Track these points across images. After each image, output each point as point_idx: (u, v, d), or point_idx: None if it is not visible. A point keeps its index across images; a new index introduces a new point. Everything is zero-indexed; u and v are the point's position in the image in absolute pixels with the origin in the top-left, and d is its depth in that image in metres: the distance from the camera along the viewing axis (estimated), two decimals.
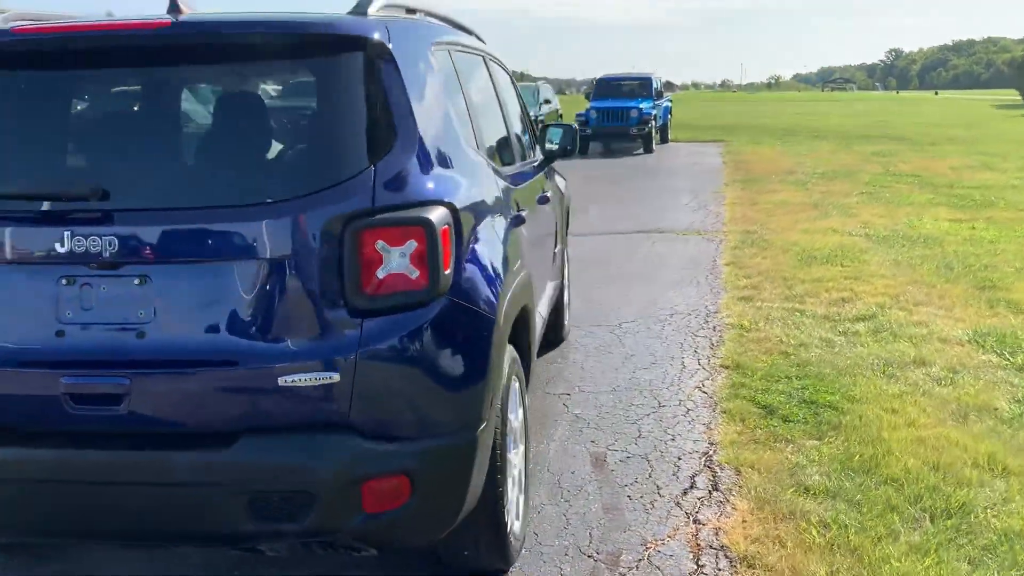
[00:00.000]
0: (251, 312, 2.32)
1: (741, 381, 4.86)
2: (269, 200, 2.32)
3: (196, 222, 2.32)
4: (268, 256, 2.31)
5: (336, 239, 2.32)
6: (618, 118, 20.67)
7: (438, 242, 2.39)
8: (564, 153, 4.72)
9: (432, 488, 2.43)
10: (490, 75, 3.81)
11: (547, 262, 4.48)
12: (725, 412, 4.46)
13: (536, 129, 4.75)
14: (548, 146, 4.69)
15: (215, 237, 2.32)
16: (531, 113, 20.71)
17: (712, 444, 4.11)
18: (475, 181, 2.84)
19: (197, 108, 2.66)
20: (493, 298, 2.62)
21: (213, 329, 2.33)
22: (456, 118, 2.91)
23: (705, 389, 4.80)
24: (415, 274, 2.39)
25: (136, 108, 2.76)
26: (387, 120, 2.45)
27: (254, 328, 2.32)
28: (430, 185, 2.48)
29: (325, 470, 2.29)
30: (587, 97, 23.45)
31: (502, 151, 3.70)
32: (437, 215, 2.42)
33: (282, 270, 2.32)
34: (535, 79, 33.59)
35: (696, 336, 5.81)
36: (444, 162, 2.63)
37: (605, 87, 22.27)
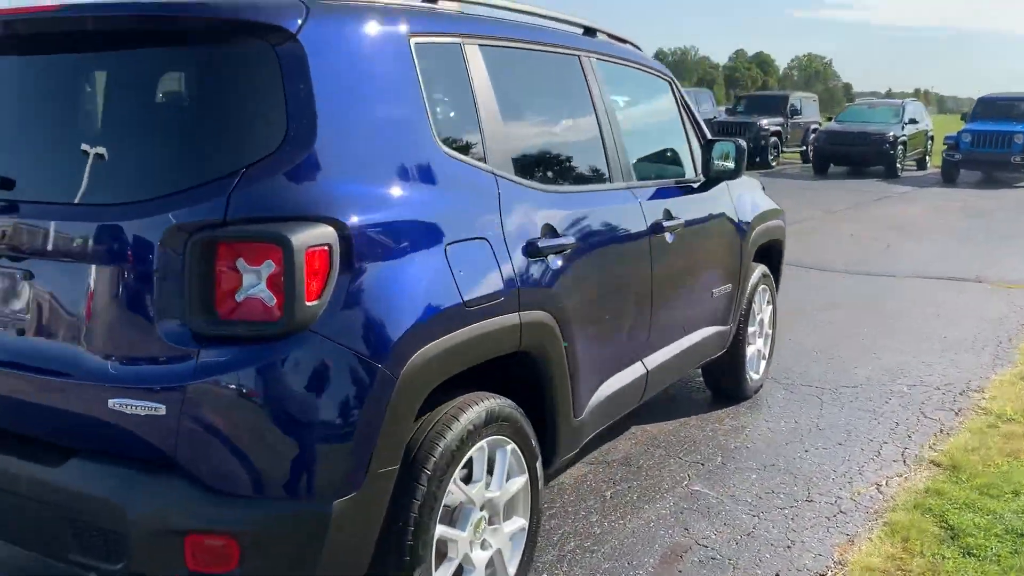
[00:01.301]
0: (89, 323, 2.07)
1: (943, 488, 3.71)
2: (110, 202, 2.04)
3: (44, 218, 2.12)
4: (107, 263, 2.04)
5: (179, 252, 1.98)
6: (997, 144, 17.81)
7: (297, 266, 1.95)
8: (731, 174, 3.92)
9: (266, 561, 2.00)
10: (586, 79, 3.20)
11: (690, 302, 3.79)
12: (888, 525, 3.41)
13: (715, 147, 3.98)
14: (715, 165, 3.92)
15: (60, 237, 2.11)
16: (891, 133, 18.76)
17: (839, 565, 3.13)
18: (433, 198, 2.33)
19: (68, 98, 2.44)
20: (396, 343, 2.10)
21: (54, 335, 2.12)
22: (437, 121, 2.41)
23: (884, 489, 3.73)
24: (271, 301, 1.97)
25: None
26: (275, 119, 2.05)
27: (92, 340, 2.07)
28: (308, 197, 2.04)
29: (136, 512, 1.97)
30: (963, 119, 20.52)
31: (562, 166, 3.09)
32: (304, 233, 1.97)
33: (122, 280, 2.03)
34: (906, 95, 30.09)
35: (924, 418, 4.60)
36: (360, 172, 2.16)
37: (988, 107, 19.29)
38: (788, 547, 3.24)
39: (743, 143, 3.93)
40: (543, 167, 2.96)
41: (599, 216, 3.03)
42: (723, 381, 4.71)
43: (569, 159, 3.13)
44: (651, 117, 4.16)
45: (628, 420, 4.42)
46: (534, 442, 2.69)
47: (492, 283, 2.43)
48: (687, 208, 3.75)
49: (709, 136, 4.10)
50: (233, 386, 1.96)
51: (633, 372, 3.37)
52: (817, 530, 3.37)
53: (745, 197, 4.46)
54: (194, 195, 1.99)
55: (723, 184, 4.19)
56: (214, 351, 1.98)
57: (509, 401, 2.56)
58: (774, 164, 21.91)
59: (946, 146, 18.67)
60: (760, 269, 4.68)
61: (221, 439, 1.98)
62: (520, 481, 2.66)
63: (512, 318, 2.48)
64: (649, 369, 3.49)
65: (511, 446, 2.58)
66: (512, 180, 2.64)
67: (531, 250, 2.60)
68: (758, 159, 21.71)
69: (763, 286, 4.76)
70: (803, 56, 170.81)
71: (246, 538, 1.96)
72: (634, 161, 3.52)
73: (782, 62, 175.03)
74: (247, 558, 1.97)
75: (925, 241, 10.77)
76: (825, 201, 15.14)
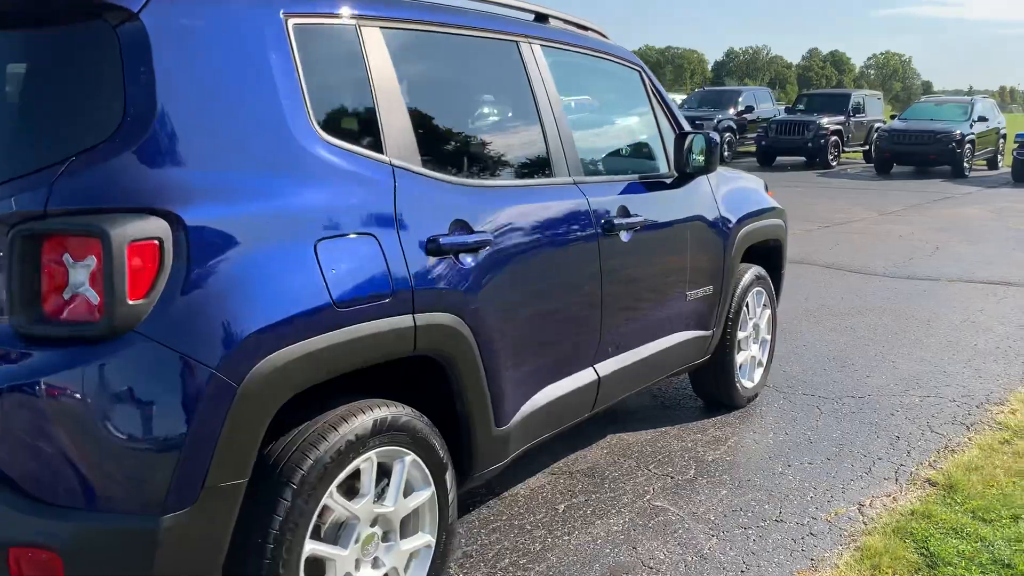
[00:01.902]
0: None
1: (932, 510, 3.41)
2: None
3: None
4: None
5: (1, 246, 1.86)
6: None
7: (117, 261, 1.80)
8: (703, 169, 3.67)
9: None
10: (525, 67, 2.99)
11: (657, 305, 3.57)
12: (860, 550, 3.13)
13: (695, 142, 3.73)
14: (688, 160, 3.67)
15: None
16: (958, 131, 17.96)
17: None
18: (302, 190, 2.16)
19: None
20: (236, 347, 1.94)
21: None
22: (318, 108, 2.25)
23: (866, 510, 3.44)
24: (95, 300, 1.83)
25: None
26: (112, 105, 1.91)
27: None
28: (138, 187, 1.88)
29: None
30: None
31: (486, 159, 2.90)
32: (127, 226, 1.82)
33: None
34: (989, 93, 28.83)
35: (930, 432, 4.26)
36: (210, 162, 2.00)
37: None
38: (742, 572, 2.99)
39: (715, 136, 3.67)
40: (460, 160, 2.77)
41: (530, 213, 2.83)
42: (711, 389, 4.44)
43: (496, 152, 2.94)
44: (614, 109, 3.93)
45: (606, 427, 4.20)
46: (442, 453, 2.51)
47: (376, 282, 2.25)
48: (653, 205, 3.51)
49: (688, 129, 3.84)
50: (52, 390, 1.82)
51: (580, 379, 3.15)
52: (779, 553, 3.10)
53: (733, 195, 4.19)
54: (17, 186, 1.86)
55: (704, 181, 3.94)
56: (38, 352, 1.84)
57: (408, 410, 2.38)
58: (834, 164, 21.22)
59: (1016, 144, 17.81)
60: (753, 271, 4.41)
61: (42, 447, 1.84)
62: (424, 495, 2.47)
63: (402, 320, 2.30)
64: (602, 376, 3.26)
65: (410, 457, 2.40)
66: (415, 172, 2.45)
67: (433, 248, 2.41)
68: (818, 159, 21.07)
69: (757, 288, 4.47)
70: (880, 54, 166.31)
71: (68, 554, 1.82)
72: (589, 155, 3.31)
73: (859, 60, 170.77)
74: (70, 574, 1.83)
75: (979, 243, 10.21)
76: (881, 202, 14.56)
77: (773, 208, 4.62)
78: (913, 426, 4.33)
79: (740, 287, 4.28)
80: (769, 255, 4.71)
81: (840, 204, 14.10)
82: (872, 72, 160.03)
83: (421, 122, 2.58)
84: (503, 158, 2.94)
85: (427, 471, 2.46)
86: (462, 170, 2.72)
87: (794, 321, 6.38)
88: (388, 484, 2.37)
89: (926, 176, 19.48)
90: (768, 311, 4.65)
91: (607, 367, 3.30)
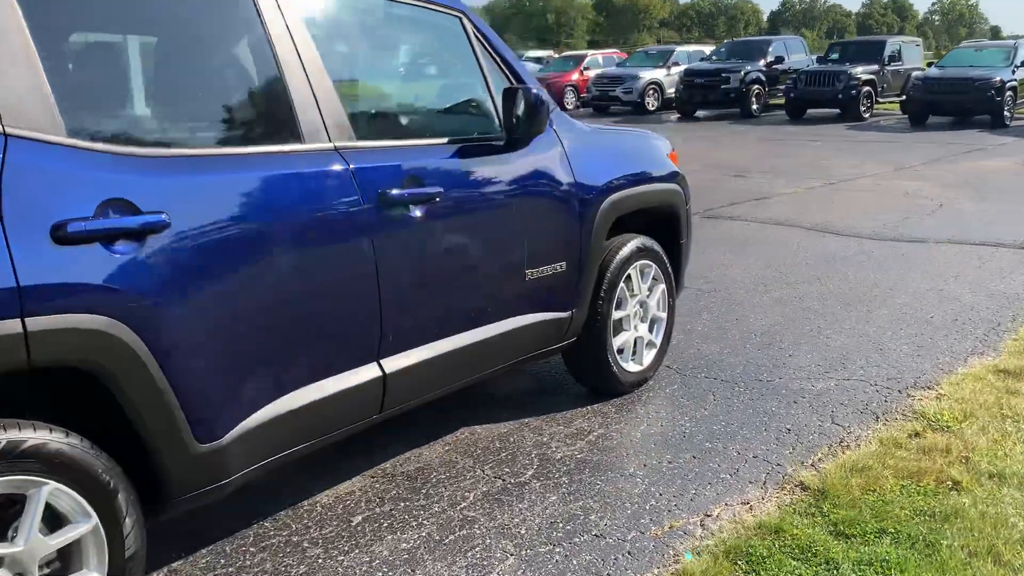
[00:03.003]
0: None
1: (787, 523, 2.94)
2: None
3: None
4: None
5: None
6: None
7: None
8: (521, 126, 3.18)
9: None
10: (259, 11, 2.54)
11: (475, 288, 3.16)
12: (675, 575, 2.68)
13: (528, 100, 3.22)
14: (516, 119, 3.19)
15: None
16: (998, 77, 16.82)
17: None
18: None
19: None
20: None
21: None
22: None
23: (709, 523, 2.98)
24: None
25: None
26: None
27: None
28: None
29: None
30: None
31: (178, 121, 2.46)
32: None
33: None
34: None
35: (830, 424, 3.76)
36: None
37: None
38: None
39: (537, 92, 3.16)
40: (131, 124, 2.35)
41: (242, 186, 2.39)
42: (584, 375, 3.99)
43: (194, 112, 2.50)
44: (418, 61, 3.44)
45: (462, 417, 3.78)
46: (108, 477, 2.12)
47: None
48: (465, 173, 3.05)
49: (530, 85, 3.33)
50: None
51: (354, 378, 2.73)
52: None
53: (600, 158, 3.70)
54: None
55: (553, 143, 3.46)
56: None
57: (43, 433, 2.00)
58: (867, 116, 20.21)
59: None
60: (635, 243, 3.91)
61: None
62: (81, 528, 2.09)
63: (5, 326, 1.90)
64: (390, 372, 2.84)
65: (49, 487, 2.01)
66: (44, 141, 2.03)
67: (61, 235, 2.00)
68: (849, 111, 20.07)
69: (643, 262, 3.98)
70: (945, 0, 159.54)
71: None
72: (366, 117, 2.86)
73: (922, 7, 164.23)
74: None
75: (989, 201, 9.44)
76: (903, 156, 13.70)
77: (665, 173, 4.10)
78: (814, 416, 3.82)
79: (615, 261, 3.80)
80: (664, 225, 4.20)
81: (856, 159, 13.29)
82: (936, 18, 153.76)
83: (68, 78, 2.15)
84: (207, 121, 2.50)
85: (83, 500, 2.07)
86: (133, 137, 2.29)
87: (739, 291, 5.85)
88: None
89: (964, 127, 18.39)
90: (661, 286, 4.16)
91: (398, 362, 2.87)
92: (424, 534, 2.91)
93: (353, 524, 2.98)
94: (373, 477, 3.32)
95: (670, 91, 24.02)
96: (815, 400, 4.00)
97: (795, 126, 19.45)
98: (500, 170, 3.18)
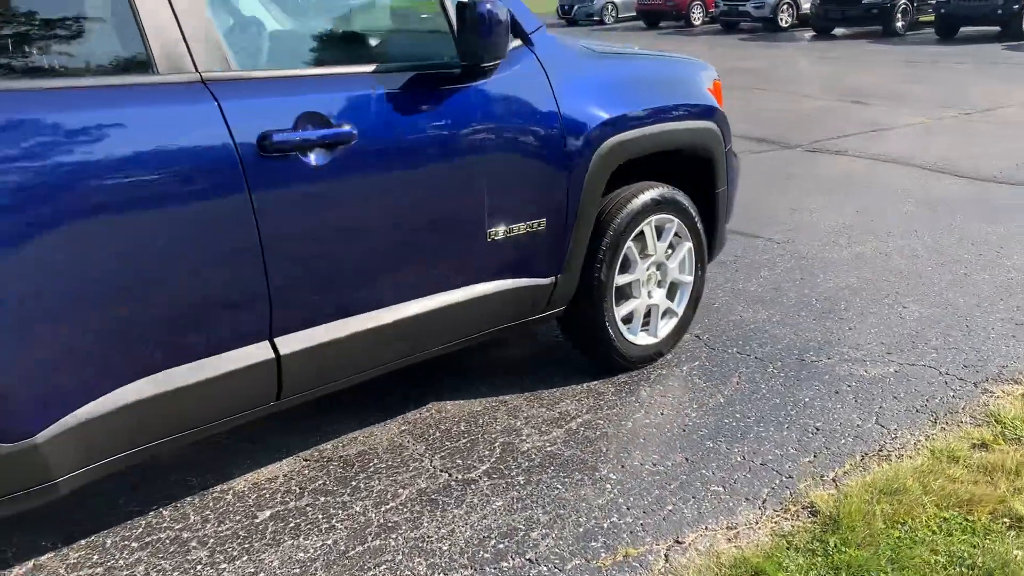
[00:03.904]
0: None
1: (774, 563, 2.35)
2: None
3: None
4: None
5: None
6: None
7: None
8: (470, 50, 2.57)
9: None
10: None
11: (411, 251, 2.62)
12: None
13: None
14: (472, 42, 2.59)
15: None
16: None
17: None
18: None
19: None
20: None
21: None
22: None
23: (676, 555, 2.42)
24: None
25: None
26: None
27: None
28: None
29: None
30: None
31: None
32: None
33: None
34: None
35: (872, 422, 3.08)
36: None
37: None
38: None
39: (489, 6, 2.52)
40: None
41: (59, 132, 1.92)
42: (580, 347, 3.42)
43: None
44: None
45: (435, 390, 3.33)
46: None
47: None
48: (395, 109, 2.48)
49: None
50: None
51: (234, 361, 2.28)
52: None
53: (597, 89, 3.05)
54: None
55: (532, 70, 2.85)
56: None
57: None
58: (902, 31, 18.55)
59: None
60: (650, 194, 3.27)
61: None
62: None
63: None
64: (285, 354, 2.37)
65: None
66: None
67: None
68: (1010, 29, 17.96)
69: (660, 216, 3.34)
70: None
71: None
72: (255, 36, 2.32)
73: None
74: None
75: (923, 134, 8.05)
76: (896, 74, 12.03)
77: (697, 108, 3.40)
78: (854, 412, 3.14)
79: (620, 217, 3.18)
80: (694, 171, 3.52)
81: (1005, 85, 11.75)
82: None
83: None
84: (11, 45, 2.01)
85: None
86: None
87: (815, 242, 5.08)
88: None
89: (994, 40, 16.25)
90: (687, 245, 3.50)
91: (297, 341, 2.39)
92: (330, 542, 2.46)
93: (257, 521, 2.56)
94: (306, 461, 2.88)
95: (806, 6, 22.18)
96: (862, 390, 3.29)
97: (943, 46, 17.55)
98: (449, 106, 2.60)
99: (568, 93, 2.91)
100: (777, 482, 2.72)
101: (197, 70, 2.14)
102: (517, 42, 2.83)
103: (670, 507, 2.60)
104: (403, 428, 3.07)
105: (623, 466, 2.81)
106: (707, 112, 3.45)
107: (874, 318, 3.97)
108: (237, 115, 2.15)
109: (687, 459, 2.85)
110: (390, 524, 2.54)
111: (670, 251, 3.48)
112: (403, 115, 2.48)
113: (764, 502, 2.62)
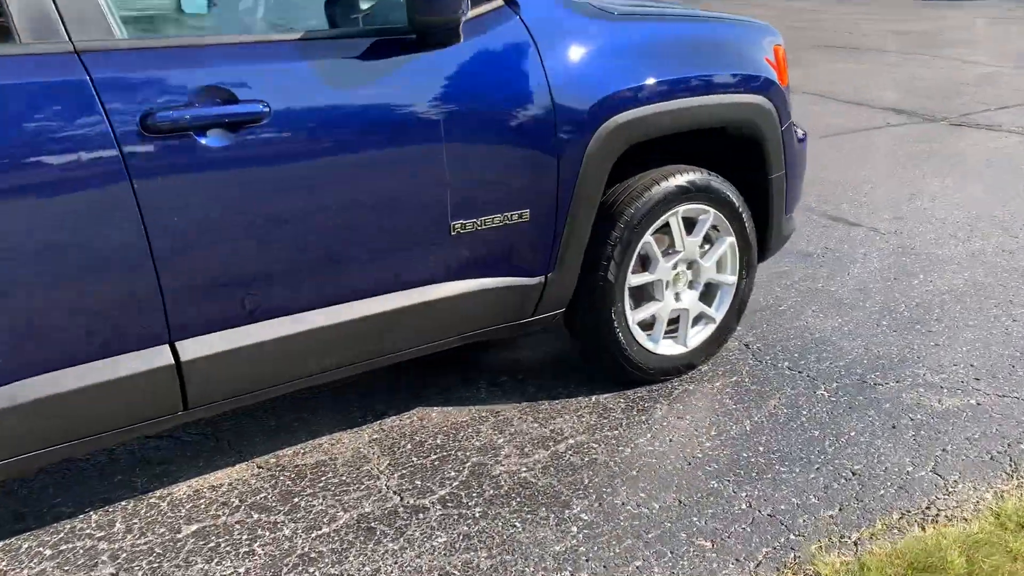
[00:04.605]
0: None
1: None
2: None
3: None
4: None
5: None
6: None
7: None
8: (423, 6, 2.18)
9: None
10: None
11: (350, 245, 2.28)
12: None
13: None
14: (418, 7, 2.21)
15: None
16: None
17: None
18: None
19: None
20: None
21: None
22: None
23: None
24: None
25: None
26: None
27: None
28: None
29: None
30: None
31: None
32: None
33: None
34: None
35: (928, 470, 2.54)
36: None
37: None
38: None
39: None
40: None
41: None
42: (587, 356, 3.00)
43: None
44: None
45: (427, 394, 3.02)
46: None
47: None
48: (325, 83, 2.15)
49: None
50: None
51: (124, 366, 2.03)
52: None
53: (606, 56, 2.60)
54: None
55: (513, 33, 2.44)
56: None
57: None
58: None
59: None
60: (677, 180, 2.81)
61: None
62: None
63: None
64: (187, 360, 2.11)
65: None
66: None
67: None
68: None
69: (691, 207, 2.87)
70: None
71: None
72: (154, 6, 2.03)
73: None
74: None
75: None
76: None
77: (742, 79, 2.89)
78: (909, 453, 2.59)
79: (634, 207, 2.74)
80: (743, 153, 3.01)
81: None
82: None
83: None
84: None
85: None
86: None
87: (928, 235, 4.41)
88: None
89: None
90: (727, 240, 3.00)
91: (201, 346, 2.12)
92: (242, 570, 2.21)
93: (179, 537, 2.34)
94: (260, 468, 2.64)
95: None
96: (928, 426, 2.71)
97: None
98: (396, 80, 2.24)
99: (562, 62, 2.49)
100: (782, 540, 2.23)
101: (70, 39, 1.86)
102: (497, 1, 2.42)
103: (638, 562, 2.17)
104: (375, 436, 2.77)
105: (601, 504, 2.39)
106: (757, 84, 2.92)
107: (971, 333, 3.32)
108: (114, 91, 1.87)
109: (680, 501, 2.40)
110: (313, 555, 2.24)
111: (706, 247, 2.98)
112: (334, 90, 2.14)
113: (758, 566, 2.15)
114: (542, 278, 2.62)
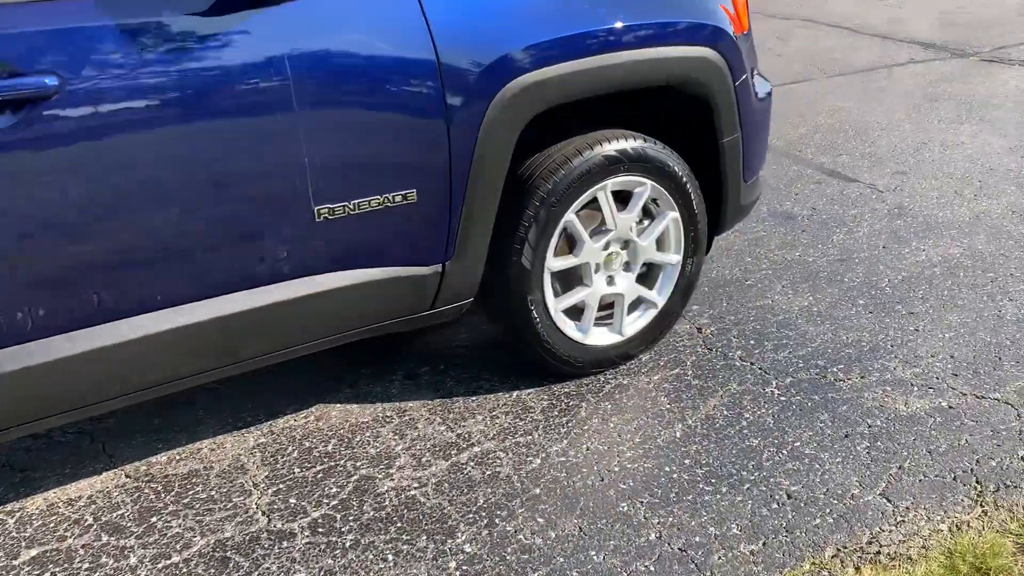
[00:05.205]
0: None
1: None
2: None
3: None
4: None
5: None
6: None
7: None
8: None
9: None
10: None
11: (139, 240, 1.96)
12: None
13: None
14: None
15: None
16: None
17: None
18: None
19: None
20: None
21: None
22: None
23: None
24: None
25: None
26: None
27: None
28: None
29: None
30: None
31: None
32: None
33: None
34: None
35: (876, 494, 2.19)
36: None
37: None
38: None
39: None
40: None
41: None
42: (516, 348, 2.67)
43: None
44: None
45: (337, 389, 2.73)
46: None
47: None
48: (137, 50, 1.80)
49: None
50: None
51: None
52: None
53: (509, 5, 2.21)
54: None
55: None
56: None
57: None
58: None
59: None
60: (606, 147, 2.44)
61: None
62: None
63: None
64: None
65: None
66: None
67: None
68: None
69: (625, 179, 2.50)
70: None
71: None
72: None
73: None
74: None
75: None
76: None
77: (686, 28, 2.47)
78: (859, 471, 2.24)
79: (553, 180, 2.37)
80: (691, 114, 2.61)
81: None
82: None
83: None
84: None
85: None
86: None
87: (929, 195, 3.98)
88: None
89: None
90: (670, 215, 2.62)
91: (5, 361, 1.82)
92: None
93: (16, 563, 2.09)
94: (128, 477, 2.37)
95: None
96: (887, 435, 2.35)
97: None
98: (227, 41, 1.88)
99: (451, 10, 2.10)
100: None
101: None
102: None
103: None
104: (261, 441, 2.48)
105: (490, 531, 2.09)
106: (703, 35, 2.51)
107: (958, 315, 2.92)
108: None
109: (581, 529, 2.08)
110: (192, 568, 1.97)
111: (645, 223, 2.61)
112: (147, 54, 1.78)
113: None
114: (438, 267, 2.28)
